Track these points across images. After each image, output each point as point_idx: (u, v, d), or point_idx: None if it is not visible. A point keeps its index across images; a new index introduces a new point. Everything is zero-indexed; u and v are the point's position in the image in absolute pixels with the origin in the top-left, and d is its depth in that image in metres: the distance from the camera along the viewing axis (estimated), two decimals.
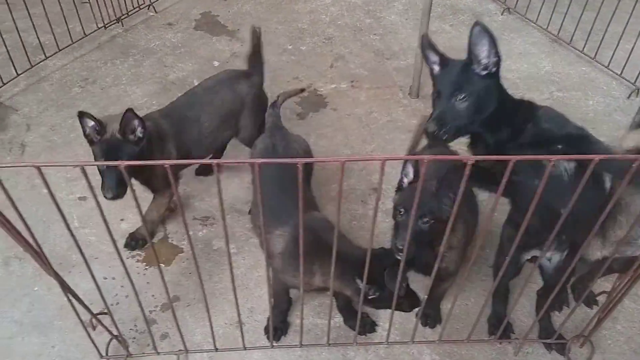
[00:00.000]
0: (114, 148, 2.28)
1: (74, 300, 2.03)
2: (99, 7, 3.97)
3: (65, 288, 1.89)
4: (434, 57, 1.92)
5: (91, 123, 2.26)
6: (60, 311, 2.43)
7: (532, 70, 3.87)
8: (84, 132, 2.30)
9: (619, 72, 3.74)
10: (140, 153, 2.33)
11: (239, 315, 2.05)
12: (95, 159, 2.32)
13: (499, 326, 2.25)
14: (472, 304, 2.48)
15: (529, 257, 2.15)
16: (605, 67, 3.82)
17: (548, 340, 2.30)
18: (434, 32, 4.16)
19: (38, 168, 1.44)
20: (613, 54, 3.74)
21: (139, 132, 2.32)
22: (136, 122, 2.30)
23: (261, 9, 4.44)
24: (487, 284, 2.53)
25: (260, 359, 2.29)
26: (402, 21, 4.34)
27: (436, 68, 1.93)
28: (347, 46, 4.07)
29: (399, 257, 1.84)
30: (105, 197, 2.27)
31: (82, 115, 2.25)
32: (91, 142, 2.31)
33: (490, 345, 2.34)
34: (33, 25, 3.61)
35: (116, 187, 2.27)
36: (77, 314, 2.01)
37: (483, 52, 1.80)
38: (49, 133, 3.27)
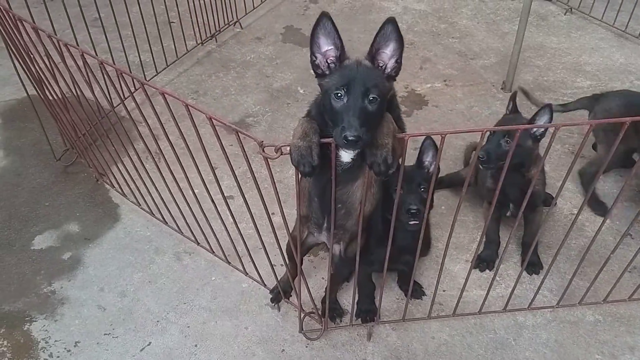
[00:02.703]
0: (364, 76, 1.76)
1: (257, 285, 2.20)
2: (192, 25, 4.21)
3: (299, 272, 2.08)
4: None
5: (325, 46, 1.77)
6: (242, 296, 2.61)
7: (607, 63, 4.14)
8: (313, 60, 1.82)
9: None
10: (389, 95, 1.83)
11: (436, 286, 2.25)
12: (327, 92, 1.77)
13: None
14: (617, 270, 2.67)
15: None
16: None
17: None
18: (507, 33, 4.44)
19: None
20: None
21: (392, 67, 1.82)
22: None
23: (339, 21, 4.62)
24: (623, 251, 2.73)
25: (438, 328, 2.48)
26: (474, 25, 4.61)
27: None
28: (430, 49, 4.32)
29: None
30: (345, 139, 1.66)
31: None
32: (321, 74, 1.83)
33: None
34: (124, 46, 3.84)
35: (361, 126, 1.66)
36: (294, 295, 2.20)
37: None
38: (179, 141, 3.44)
